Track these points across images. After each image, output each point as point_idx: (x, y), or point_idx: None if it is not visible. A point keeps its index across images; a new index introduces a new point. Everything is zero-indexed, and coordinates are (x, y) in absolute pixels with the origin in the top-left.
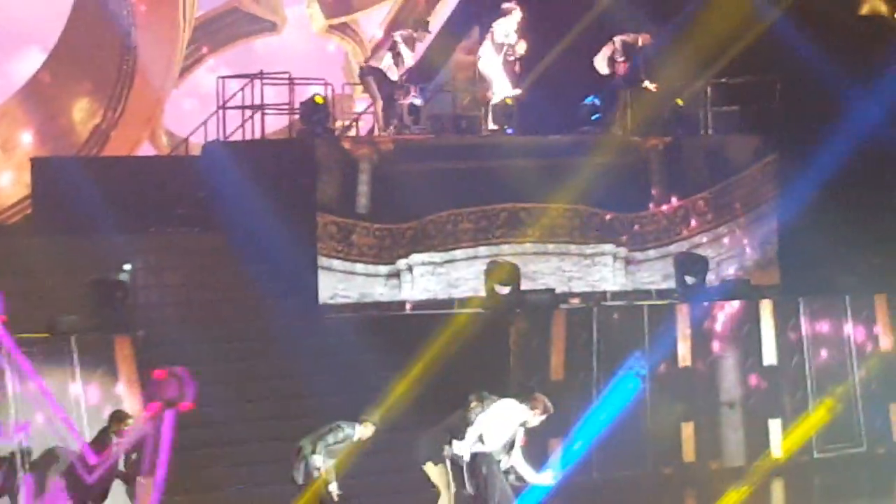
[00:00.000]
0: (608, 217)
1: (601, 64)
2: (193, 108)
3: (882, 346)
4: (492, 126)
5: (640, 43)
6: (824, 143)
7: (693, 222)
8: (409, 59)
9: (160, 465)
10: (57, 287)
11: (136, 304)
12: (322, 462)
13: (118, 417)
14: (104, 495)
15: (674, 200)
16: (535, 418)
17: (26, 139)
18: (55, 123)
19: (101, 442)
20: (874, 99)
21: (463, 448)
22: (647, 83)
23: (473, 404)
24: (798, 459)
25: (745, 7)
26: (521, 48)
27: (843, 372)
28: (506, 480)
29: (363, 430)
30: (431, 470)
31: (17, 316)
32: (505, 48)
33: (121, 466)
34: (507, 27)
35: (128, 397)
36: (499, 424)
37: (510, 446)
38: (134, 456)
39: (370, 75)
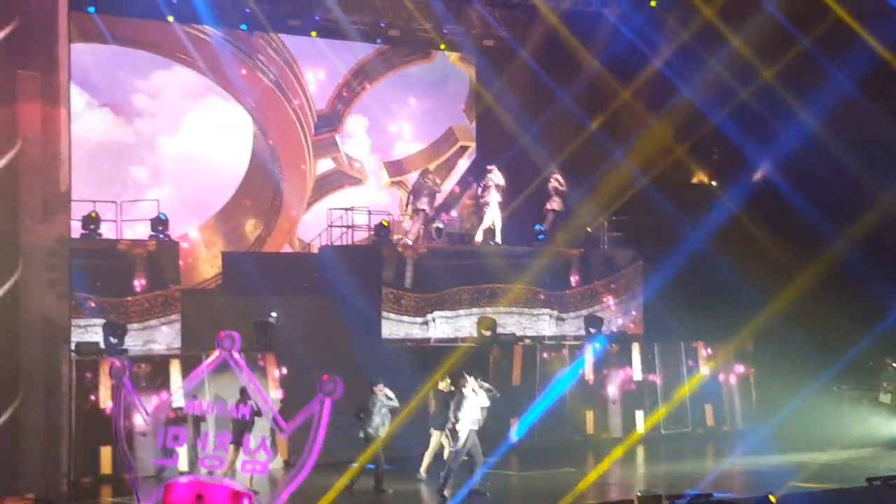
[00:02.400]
0: (548, 293)
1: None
2: (314, 225)
3: (700, 370)
4: (481, 240)
5: (563, 185)
6: (671, 256)
7: (595, 298)
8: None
9: (319, 439)
10: (234, 324)
11: (278, 335)
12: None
13: (244, 391)
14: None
15: (584, 285)
16: (471, 386)
17: (219, 241)
18: (235, 233)
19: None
20: (699, 232)
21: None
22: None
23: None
24: (652, 434)
25: (628, 175)
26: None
27: (678, 385)
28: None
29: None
30: (434, 435)
31: (214, 342)
32: (490, 194)
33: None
34: (493, 178)
35: (272, 385)
36: (468, 403)
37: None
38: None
39: (415, 212)
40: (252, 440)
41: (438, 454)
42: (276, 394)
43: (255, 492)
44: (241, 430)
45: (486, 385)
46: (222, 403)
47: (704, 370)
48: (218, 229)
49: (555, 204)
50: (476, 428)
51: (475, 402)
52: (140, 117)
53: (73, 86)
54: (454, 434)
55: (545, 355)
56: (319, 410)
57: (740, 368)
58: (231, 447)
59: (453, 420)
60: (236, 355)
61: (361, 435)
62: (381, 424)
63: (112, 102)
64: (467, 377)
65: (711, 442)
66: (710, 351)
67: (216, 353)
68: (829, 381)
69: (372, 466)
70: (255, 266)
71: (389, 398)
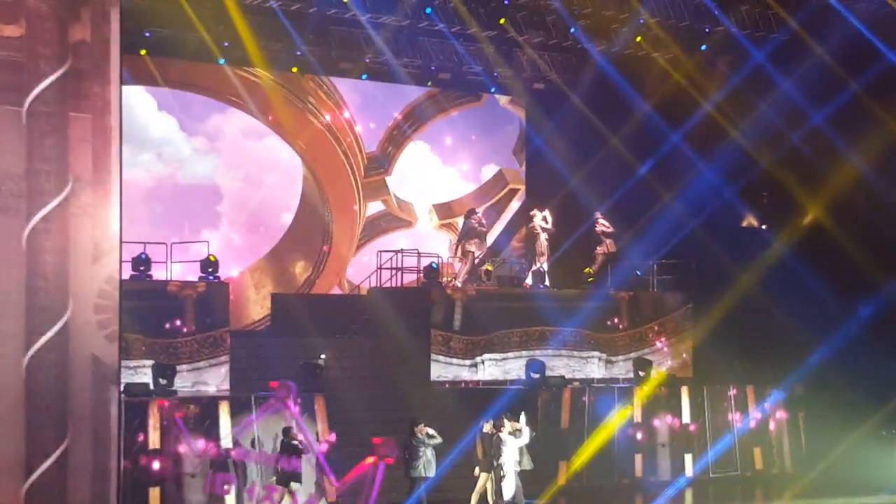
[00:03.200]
0: (597, 336)
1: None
2: (364, 267)
3: (750, 414)
4: (531, 282)
5: (609, 227)
6: (720, 299)
7: (644, 341)
8: (483, 241)
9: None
10: (283, 366)
11: (327, 377)
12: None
13: (287, 431)
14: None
15: (633, 328)
16: (507, 429)
17: (269, 283)
18: (285, 275)
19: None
20: (749, 275)
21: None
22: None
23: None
24: (701, 477)
25: (676, 219)
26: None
27: (728, 427)
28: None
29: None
30: (482, 477)
31: (264, 384)
32: (539, 238)
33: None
34: (537, 222)
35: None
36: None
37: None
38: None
39: (464, 254)
40: (301, 493)
41: (483, 495)
42: (326, 436)
43: None
44: (288, 478)
45: (518, 425)
46: (265, 452)
47: (754, 412)
48: (267, 271)
49: (604, 247)
50: (518, 469)
51: (513, 444)
52: (192, 160)
53: (125, 127)
54: (497, 476)
55: (594, 398)
56: (373, 474)
57: (781, 413)
58: (278, 492)
59: (494, 462)
60: (291, 405)
61: (410, 475)
62: (427, 463)
63: (164, 144)
64: (505, 420)
65: (760, 485)
66: (758, 396)
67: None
68: (878, 425)
69: None
70: (305, 308)
71: (432, 436)
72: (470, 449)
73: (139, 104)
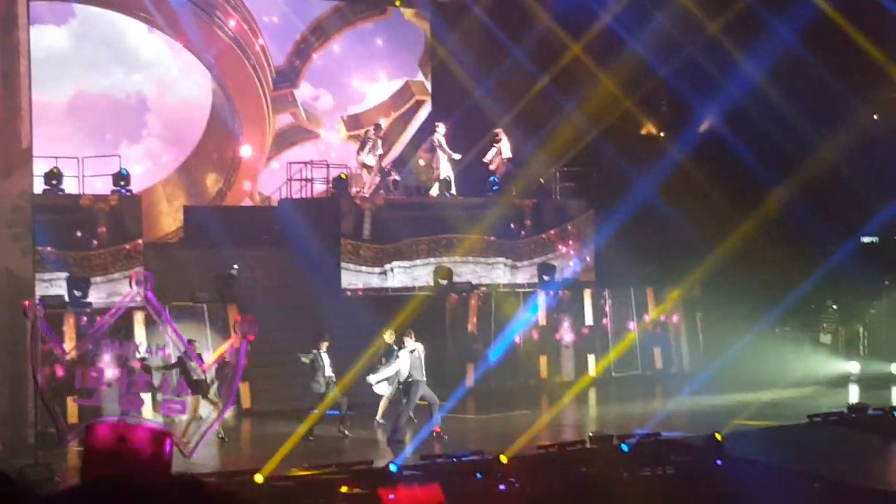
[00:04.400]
0: (502, 242)
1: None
2: (274, 179)
3: (650, 315)
4: (437, 191)
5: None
6: (620, 205)
7: (548, 247)
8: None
9: (237, 378)
10: (196, 277)
11: (240, 288)
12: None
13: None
14: (206, 389)
15: (538, 235)
16: (408, 344)
17: (181, 195)
18: (197, 187)
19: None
20: (648, 182)
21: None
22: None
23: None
24: (603, 377)
25: (578, 127)
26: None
27: (628, 329)
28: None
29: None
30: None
31: (177, 294)
32: (443, 148)
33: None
34: (439, 135)
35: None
36: (405, 360)
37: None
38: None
39: (364, 166)
40: (171, 380)
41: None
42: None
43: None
44: (196, 387)
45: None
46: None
47: (654, 316)
48: (179, 184)
49: (501, 158)
50: (423, 379)
51: (409, 361)
52: (101, 75)
53: (32, 44)
54: (405, 386)
55: (500, 303)
56: (237, 350)
57: (675, 318)
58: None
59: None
60: (150, 295)
61: (316, 389)
62: (331, 379)
63: (73, 59)
64: (408, 337)
65: (660, 384)
66: (659, 296)
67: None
68: (772, 324)
69: (335, 412)
70: (217, 220)
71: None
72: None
73: (48, 19)
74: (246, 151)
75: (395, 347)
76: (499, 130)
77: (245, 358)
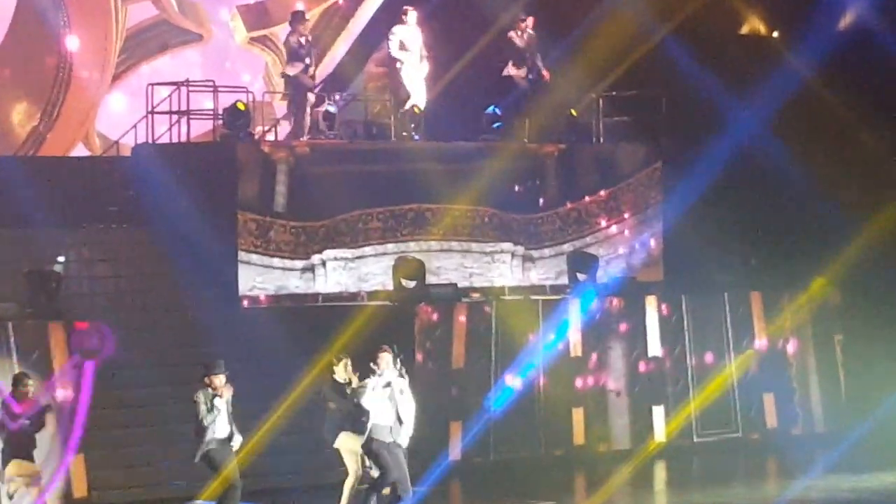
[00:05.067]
0: (507, 218)
1: (511, 70)
2: (125, 111)
3: (757, 340)
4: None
5: (530, 28)
6: (705, 152)
7: (584, 223)
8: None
9: (79, 419)
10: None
11: (68, 294)
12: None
13: (19, 378)
14: (32, 443)
15: (567, 203)
16: (384, 371)
17: None
18: None
19: (21, 395)
20: (752, 112)
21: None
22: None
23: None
24: (680, 443)
25: (634, 25)
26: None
27: (721, 363)
28: (402, 457)
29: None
30: (344, 452)
31: None
32: (412, 58)
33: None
34: (404, 33)
35: (60, 379)
36: (376, 398)
37: (396, 414)
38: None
39: (290, 84)
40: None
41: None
42: (63, 392)
43: None
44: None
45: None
46: None
47: (762, 340)
48: None
49: (520, 70)
50: (400, 441)
51: (394, 398)
52: None
53: None
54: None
55: (505, 319)
56: (76, 380)
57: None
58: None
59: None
60: None
61: (199, 457)
62: (230, 436)
63: None
64: (383, 355)
65: (774, 454)
66: (772, 307)
67: None
68: None
69: None
70: (29, 179)
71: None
72: (307, 407)
73: None
74: (79, 64)
75: (348, 382)
76: (526, 19)
77: (89, 391)
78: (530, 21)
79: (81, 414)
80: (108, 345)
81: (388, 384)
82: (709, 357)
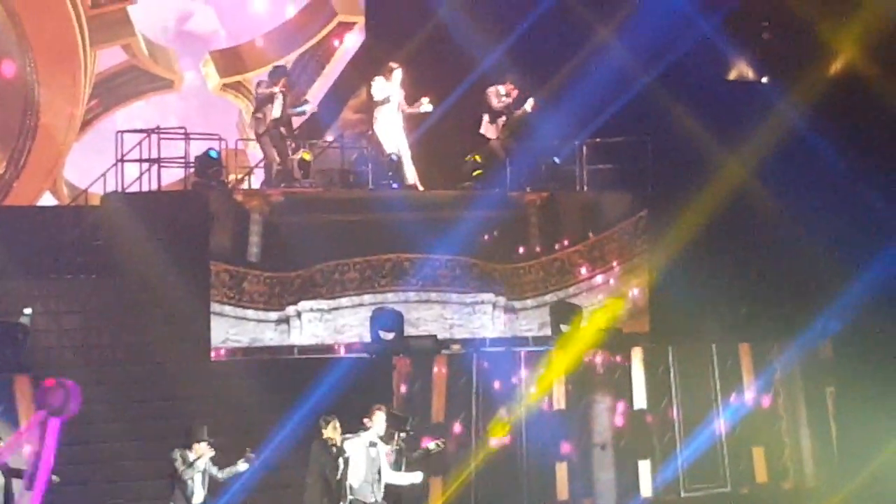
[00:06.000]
0: (488, 267)
1: (486, 128)
2: (94, 160)
3: (746, 392)
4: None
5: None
6: (693, 201)
7: (568, 273)
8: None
9: (42, 475)
10: None
11: (35, 346)
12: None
13: None
14: None
15: (550, 253)
16: (375, 425)
17: None
18: None
19: None
20: (740, 159)
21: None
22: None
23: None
24: (665, 498)
25: (619, 71)
26: (427, 107)
27: (709, 416)
28: None
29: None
30: None
31: None
32: (390, 108)
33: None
34: (385, 86)
35: (26, 435)
36: (357, 460)
37: (377, 474)
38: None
39: (264, 133)
40: None
41: None
42: (29, 447)
43: None
44: None
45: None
46: None
47: (751, 390)
48: None
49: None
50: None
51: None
52: None
53: None
54: None
55: (487, 371)
56: (40, 439)
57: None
58: None
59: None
60: None
61: None
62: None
63: None
64: (378, 413)
65: None
66: (761, 358)
67: None
68: None
69: None
70: None
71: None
72: (284, 464)
73: None
74: (46, 110)
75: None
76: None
77: (54, 448)
78: (513, 90)
79: (45, 471)
80: (74, 402)
81: (374, 444)
82: (696, 410)
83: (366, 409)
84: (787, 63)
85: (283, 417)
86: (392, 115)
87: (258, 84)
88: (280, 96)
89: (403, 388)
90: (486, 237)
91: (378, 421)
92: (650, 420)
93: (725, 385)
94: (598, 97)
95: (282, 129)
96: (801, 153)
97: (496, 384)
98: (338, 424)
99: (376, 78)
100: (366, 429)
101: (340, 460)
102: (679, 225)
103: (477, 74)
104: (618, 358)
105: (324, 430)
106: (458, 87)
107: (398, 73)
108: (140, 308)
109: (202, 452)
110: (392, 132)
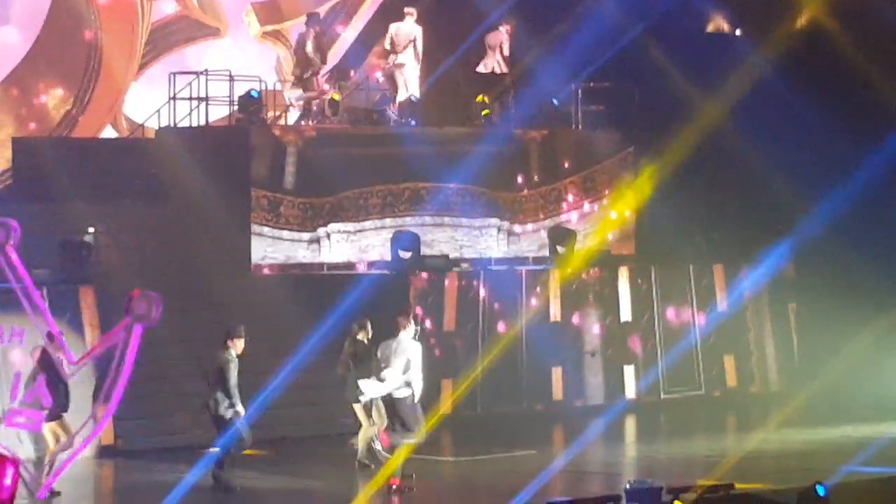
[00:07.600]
0: (494, 196)
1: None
2: (150, 98)
3: (719, 307)
4: (397, 117)
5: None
6: (674, 139)
7: (563, 201)
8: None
9: (123, 376)
10: (32, 246)
11: (97, 262)
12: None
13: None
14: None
15: (548, 183)
16: (412, 330)
17: (8, 122)
18: (32, 109)
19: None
20: (714, 102)
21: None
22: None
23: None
24: (648, 400)
25: (610, 24)
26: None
27: (686, 328)
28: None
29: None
30: (358, 408)
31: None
32: (404, 52)
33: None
34: (403, 29)
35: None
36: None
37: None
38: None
39: (300, 78)
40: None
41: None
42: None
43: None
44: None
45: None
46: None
47: (722, 304)
48: (7, 103)
49: (497, 65)
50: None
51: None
52: None
53: None
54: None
55: (492, 287)
56: (125, 341)
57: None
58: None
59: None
60: (11, 252)
61: (213, 413)
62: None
63: None
64: (405, 318)
65: (733, 410)
66: (732, 277)
67: None
68: None
69: (224, 446)
70: (63, 158)
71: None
72: (314, 366)
73: None
74: (108, 54)
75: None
76: (502, 29)
77: (135, 352)
78: (503, 29)
79: (127, 371)
80: (156, 310)
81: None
82: (675, 322)
83: (381, 324)
84: (758, 17)
85: (313, 325)
86: (409, 58)
87: (300, 35)
88: (314, 41)
89: (419, 301)
90: (492, 169)
91: (409, 324)
92: (634, 331)
93: (701, 301)
94: (592, 47)
95: (313, 72)
96: (769, 98)
97: (500, 299)
98: (370, 327)
99: (391, 25)
100: (405, 328)
101: (375, 352)
102: (662, 160)
103: (486, 25)
104: (606, 276)
105: (358, 333)
106: (470, 37)
107: (411, 18)
108: (188, 229)
109: (241, 347)
110: (408, 73)
